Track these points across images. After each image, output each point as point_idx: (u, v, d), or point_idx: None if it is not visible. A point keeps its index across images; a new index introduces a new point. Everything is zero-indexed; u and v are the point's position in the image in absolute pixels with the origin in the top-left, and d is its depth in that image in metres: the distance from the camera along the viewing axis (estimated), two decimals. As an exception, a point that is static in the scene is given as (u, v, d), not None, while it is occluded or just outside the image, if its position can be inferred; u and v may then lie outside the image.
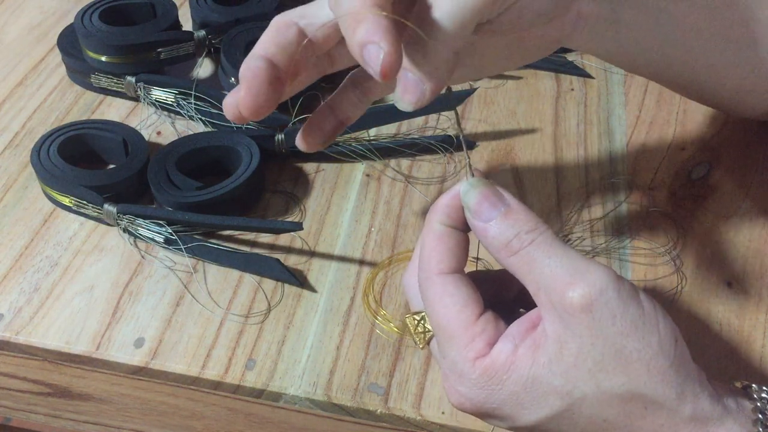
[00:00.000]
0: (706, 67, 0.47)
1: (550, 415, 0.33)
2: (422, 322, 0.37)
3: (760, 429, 0.32)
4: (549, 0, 0.38)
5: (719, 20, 0.44)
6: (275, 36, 0.38)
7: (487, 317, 0.34)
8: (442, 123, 0.59)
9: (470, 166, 0.36)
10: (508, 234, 0.34)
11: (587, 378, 0.32)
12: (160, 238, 0.50)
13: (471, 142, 0.58)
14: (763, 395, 0.34)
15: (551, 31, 0.40)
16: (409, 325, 0.38)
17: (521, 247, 0.33)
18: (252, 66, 0.37)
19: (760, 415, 0.33)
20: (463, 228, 0.36)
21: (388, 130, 0.59)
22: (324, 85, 0.61)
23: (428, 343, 0.37)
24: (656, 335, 0.32)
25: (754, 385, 0.35)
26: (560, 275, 0.32)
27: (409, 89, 0.34)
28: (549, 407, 0.33)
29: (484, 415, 0.35)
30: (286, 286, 0.49)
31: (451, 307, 0.34)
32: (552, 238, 0.34)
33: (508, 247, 0.34)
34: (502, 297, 0.39)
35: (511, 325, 0.35)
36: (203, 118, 0.58)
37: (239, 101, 0.37)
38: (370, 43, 0.31)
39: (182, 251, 0.50)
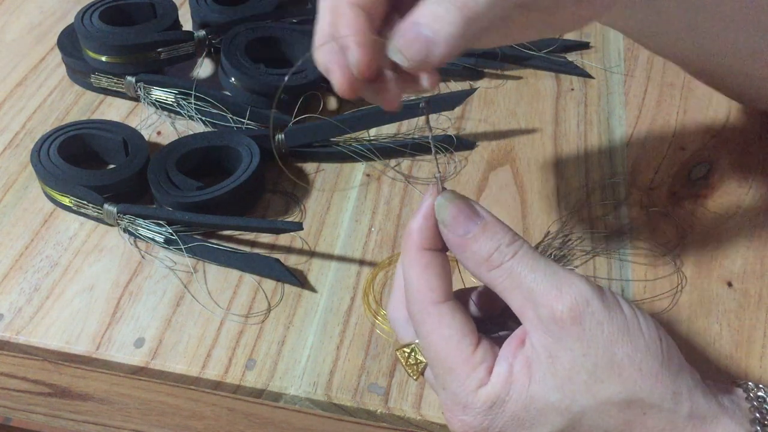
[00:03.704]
0: (736, 55, 0.46)
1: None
2: (413, 353, 0.36)
3: (758, 428, 0.32)
4: None
5: (752, 6, 0.44)
6: None
7: (484, 346, 0.34)
8: (442, 123, 0.59)
9: (440, 181, 0.36)
10: (488, 247, 0.33)
11: (583, 390, 0.32)
12: (160, 238, 0.50)
13: (471, 143, 0.58)
14: (760, 393, 0.34)
15: (584, 11, 0.38)
16: (401, 359, 0.37)
17: (503, 261, 0.33)
18: (352, 19, 0.33)
19: (757, 414, 0.33)
20: (442, 248, 0.35)
21: (388, 130, 0.59)
22: (324, 84, 0.62)
23: (422, 373, 0.37)
24: (642, 338, 0.32)
25: (750, 383, 0.35)
26: (545, 289, 0.32)
27: (415, 43, 0.31)
28: (550, 425, 0.33)
29: None
30: (286, 286, 0.49)
31: (450, 339, 0.34)
32: (531, 251, 0.33)
33: (489, 261, 0.33)
34: (490, 311, 0.38)
35: (502, 346, 0.34)
36: (203, 118, 0.58)
37: (356, 63, 0.32)
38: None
39: (182, 251, 0.50)
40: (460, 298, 0.36)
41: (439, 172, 0.36)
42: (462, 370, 0.33)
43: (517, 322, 0.35)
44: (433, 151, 0.37)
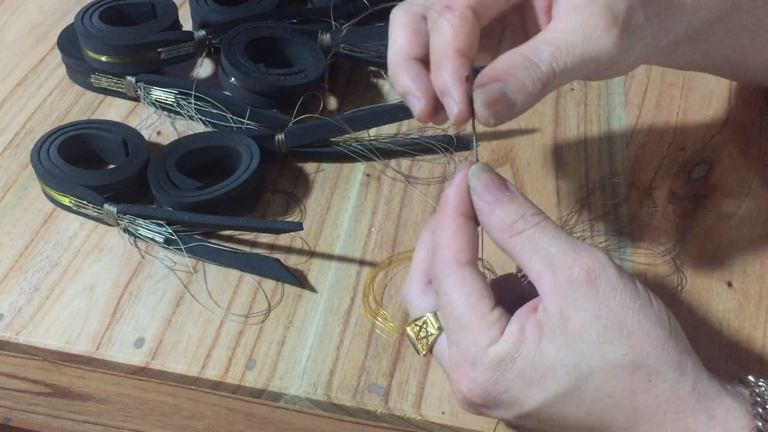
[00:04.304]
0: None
1: (558, 392, 0.33)
2: (424, 326, 0.38)
3: (760, 410, 0.33)
4: (645, 51, 0.39)
5: None
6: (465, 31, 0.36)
7: (500, 309, 0.35)
8: (442, 123, 0.59)
9: (476, 152, 0.39)
10: (513, 215, 0.35)
11: (592, 351, 0.33)
12: (160, 238, 0.50)
13: (471, 143, 0.58)
14: (761, 383, 0.35)
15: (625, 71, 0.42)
16: (411, 334, 0.38)
17: (526, 228, 0.35)
18: (458, 69, 0.36)
19: (758, 399, 0.34)
20: (474, 217, 0.37)
21: (388, 130, 0.59)
22: (324, 84, 0.62)
23: (431, 349, 0.38)
24: (652, 309, 0.34)
25: (750, 378, 0.35)
26: (564, 253, 0.34)
27: (500, 102, 0.35)
28: (556, 383, 0.33)
29: (491, 403, 0.35)
30: (286, 286, 0.49)
31: (469, 297, 0.35)
32: (554, 224, 0.35)
33: (513, 227, 0.35)
34: (502, 303, 0.39)
35: (515, 312, 0.36)
36: (203, 118, 0.58)
37: (457, 114, 0.36)
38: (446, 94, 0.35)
39: (182, 251, 0.50)
40: None
41: (476, 143, 0.39)
42: (476, 327, 0.34)
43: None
44: (473, 123, 0.38)
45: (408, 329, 0.38)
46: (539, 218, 0.35)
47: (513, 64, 0.35)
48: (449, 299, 0.35)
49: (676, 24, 0.41)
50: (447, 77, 0.35)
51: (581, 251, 0.34)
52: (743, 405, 0.33)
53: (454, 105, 0.35)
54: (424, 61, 0.38)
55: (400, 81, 0.37)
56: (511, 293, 0.39)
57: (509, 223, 0.35)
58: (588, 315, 0.33)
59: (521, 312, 0.35)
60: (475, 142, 0.39)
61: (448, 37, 0.36)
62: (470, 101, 0.36)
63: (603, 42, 0.36)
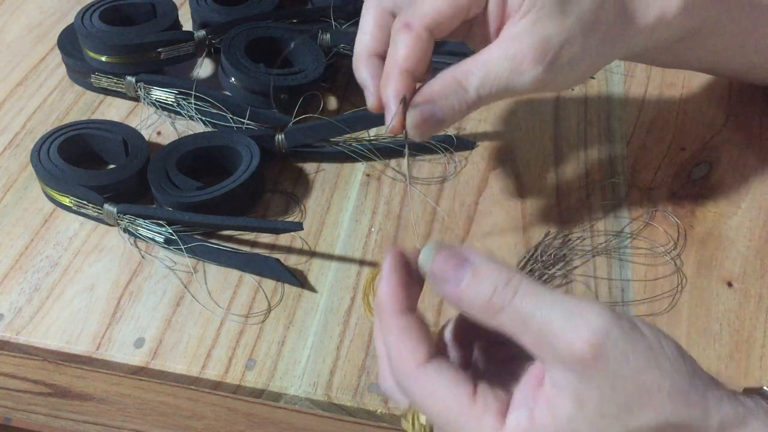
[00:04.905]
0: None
1: None
2: (415, 418, 0.35)
3: None
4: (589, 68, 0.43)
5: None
6: (414, 44, 0.40)
7: (482, 389, 0.32)
8: (442, 123, 0.59)
9: (408, 163, 0.41)
10: (485, 292, 0.31)
11: (615, 424, 0.31)
12: (160, 238, 0.50)
13: (471, 143, 0.58)
14: None
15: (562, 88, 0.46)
16: (408, 428, 0.36)
17: (504, 303, 0.31)
18: (399, 86, 0.40)
19: None
20: (413, 308, 0.34)
21: (388, 130, 0.59)
22: (324, 84, 0.62)
23: None
24: (667, 360, 0.31)
25: (765, 388, 0.34)
26: (558, 325, 0.30)
27: (429, 121, 0.40)
28: None
29: None
30: (286, 286, 0.49)
31: (444, 398, 0.32)
32: (532, 284, 0.32)
33: (491, 305, 0.31)
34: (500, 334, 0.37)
35: (516, 390, 0.32)
36: (203, 118, 0.58)
37: (393, 125, 0.41)
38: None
39: (182, 251, 0.50)
40: (466, 323, 0.36)
41: (408, 159, 0.44)
42: (470, 422, 0.32)
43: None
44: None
45: (404, 425, 0.36)
46: (514, 284, 0.31)
47: (445, 88, 0.40)
48: (426, 406, 0.32)
49: (630, 45, 0.44)
50: (389, 94, 0.40)
51: (575, 317, 0.30)
52: (765, 422, 0.32)
53: (389, 119, 0.40)
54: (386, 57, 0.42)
55: (360, 74, 0.43)
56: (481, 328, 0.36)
57: (484, 303, 0.31)
58: (604, 390, 0.30)
59: (526, 390, 0.32)
60: (407, 158, 0.43)
61: (399, 56, 0.40)
62: (405, 117, 0.41)
63: (527, 76, 0.40)
